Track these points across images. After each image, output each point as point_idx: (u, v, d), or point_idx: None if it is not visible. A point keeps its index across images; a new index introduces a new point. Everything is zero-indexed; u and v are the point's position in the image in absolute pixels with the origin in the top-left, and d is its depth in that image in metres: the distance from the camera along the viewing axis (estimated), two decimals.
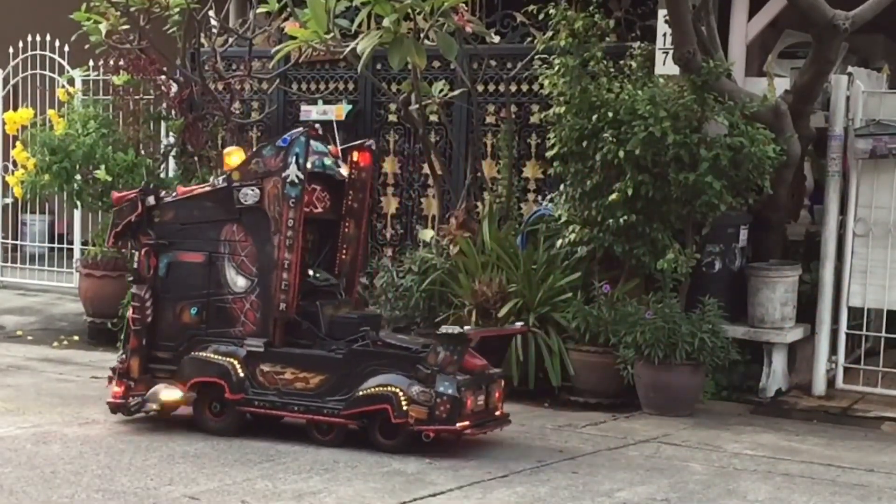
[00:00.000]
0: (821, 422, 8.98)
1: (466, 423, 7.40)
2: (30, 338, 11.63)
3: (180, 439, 7.61)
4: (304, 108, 11.86)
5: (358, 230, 8.44)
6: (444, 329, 7.61)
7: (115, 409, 8.05)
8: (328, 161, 8.24)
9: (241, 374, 7.73)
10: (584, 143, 9.31)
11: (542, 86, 9.90)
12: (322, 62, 11.77)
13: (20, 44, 13.60)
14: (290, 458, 7.27)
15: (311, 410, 7.60)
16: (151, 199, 8.10)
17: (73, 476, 6.69)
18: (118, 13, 10.91)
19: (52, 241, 14.21)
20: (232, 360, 7.77)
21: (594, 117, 9.21)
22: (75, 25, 11.06)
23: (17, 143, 12.41)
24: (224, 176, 8.08)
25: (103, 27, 10.98)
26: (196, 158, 11.65)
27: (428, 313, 9.86)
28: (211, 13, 11.26)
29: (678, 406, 8.95)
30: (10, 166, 13.17)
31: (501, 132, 10.81)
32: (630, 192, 9.02)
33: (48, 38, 13.31)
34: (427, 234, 10.50)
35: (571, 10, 9.83)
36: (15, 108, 13.05)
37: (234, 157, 8.28)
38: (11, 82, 13.86)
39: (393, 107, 11.49)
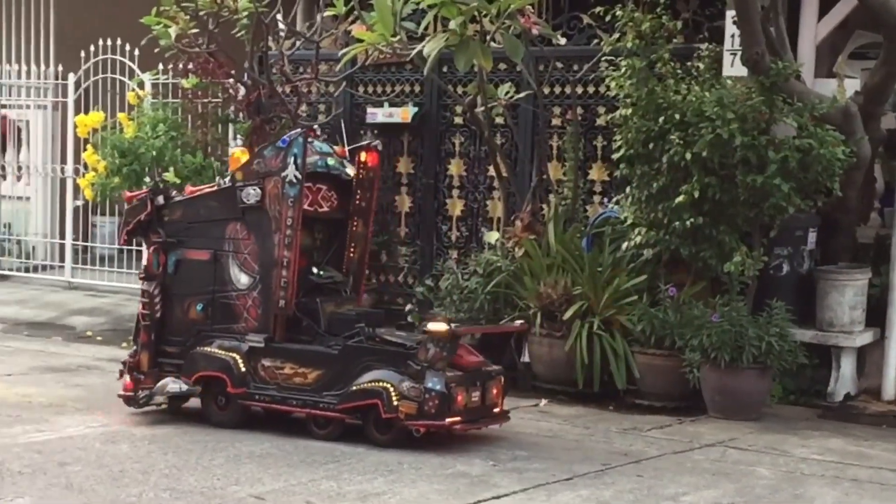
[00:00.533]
0: (890, 427, 8.87)
1: (457, 418, 7.53)
2: (99, 338, 11.77)
3: (247, 440, 7.66)
4: (370, 110, 11.91)
5: (366, 229, 8.61)
6: (430, 325, 7.73)
7: (126, 401, 8.28)
8: (332, 161, 8.42)
9: (243, 369, 7.92)
10: (651, 146, 9.26)
11: (608, 88, 9.87)
12: (388, 65, 11.80)
13: (92, 48, 13.76)
14: (354, 459, 7.29)
15: (309, 405, 7.77)
16: (161, 199, 8.34)
17: (140, 475, 6.76)
18: (188, 17, 10.99)
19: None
20: (234, 355, 7.97)
21: (661, 119, 9.16)
22: (145, 30, 11.16)
23: (88, 146, 12.56)
24: (229, 176, 8.30)
25: (173, 31, 11.06)
26: None
27: (493, 316, 9.85)
28: (279, 17, 11.31)
29: (745, 410, 8.88)
30: (82, 169, 13.34)
31: (567, 134, 10.77)
32: (697, 194, 8.96)
33: (119, 42, 13.46)
34: (492, 237, 10.50)
35: (638, 12, 9.78)
36: (86, 112, 13.20)
37: (238, 157, 8.48)
38: (83, 86, 14.02)
39: (459, 109, 11.49)
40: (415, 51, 8.83)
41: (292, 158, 7.92)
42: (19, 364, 10.30)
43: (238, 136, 12.13)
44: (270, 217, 7.98)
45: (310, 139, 8.32)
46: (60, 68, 14.38)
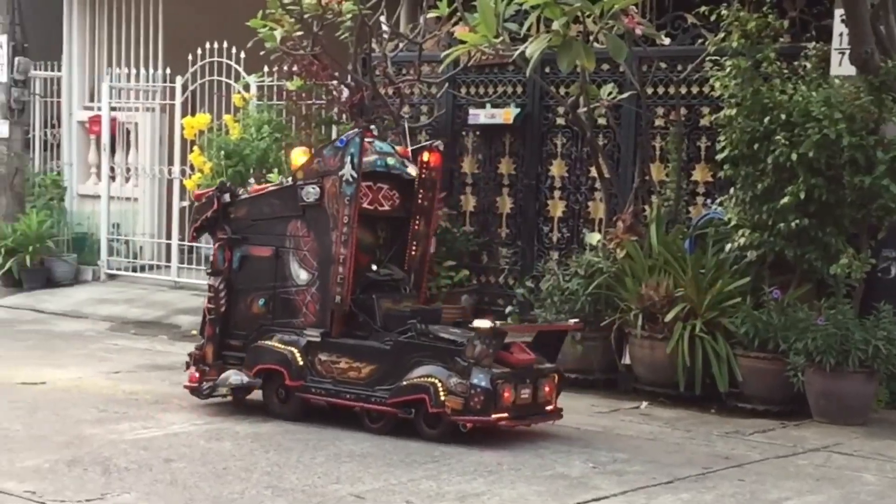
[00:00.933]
0: None
1: (504, 414, 7.63)
2: None
3: (347, 439, 7.71)
4: (472, 111, 11.93)
5: (427, 227, 8.75)
6: (477, 323, 7.80)
7: (191, 392, 8.54)
8: (392, 161, 8.54)
9: (301, 363, 8.12)
10: (756, 146, 9.15)
11: (712, 88, 9.76)
12: (491, 66, 11.81)
13: (199, 51, 13.95)
14: (454, 459, 7.30)
15: (362, 398, 7.93)
16: (227, 197, 8.56)
17: (243, 472, 6.83)
18: (293, 20, 11.10)
19: None
20: (293, 348, 8.18)
21: (766, 119, 9.05)
22: (251, 32, 11.29)
23: (195, 148, 12.73)
24: (291, 175, 8.52)
25: (278, 34, 11.18)
26: None
27: (594, 317, 9.81)
28: (382, 19, 11.39)
29: (850, 414, 8.74)
30: (188, 170, 13.54)
31: (670, 135, 10.69)
32: (802, 195, 8.84)
33: (225, 45, 13.63)
34: (594, 238, 10.44)
35: (744, 11, 9.67)
36: (193, 114, 13.38)
37: (299, 156, 8.61)
38: (190, 89, 14.22)
39: (561, 110, 11.47)
40: (517, 52, 8.82)
41: (349, 158, 8.05)
42: (126, 362, 10.48)
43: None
44: (329, 215, 8.15)
45: (370, 139, 8.52)
46: (168, 71, 14.59)
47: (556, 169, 11.62)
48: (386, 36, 11.67)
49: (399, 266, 8.67)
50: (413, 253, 8.72)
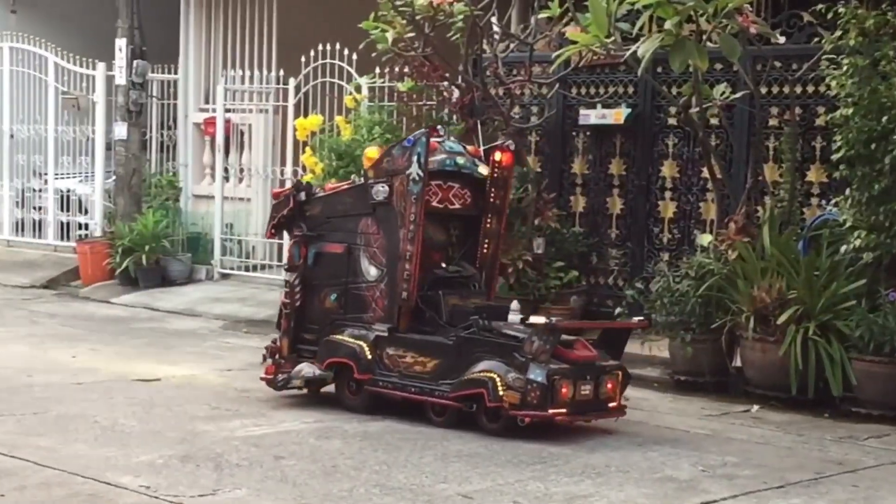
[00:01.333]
0: None
1: (561, 410, 7.71)
2: None
3: (455, 439, 7.72)
4: (582, 111, 11.87)
5: (499, 226, 8.84)
6: (533, 319, 7.96)
7: (267, 384, 8.75)
8: (462, 160, 8.64)
9: (370, 356, 8.30)
10: (873, 146, 8.99)
11: (828, 87, 9.60)
12: (602, 66, 11.74)
13: (311, 53, 14.09)
14: (561, 460, 7.28)
15: (426, 392, 8.08)
16: (302, 195, 8.78)
17: (352, 471, 6.88)
18: (404, 21, 11.16)
19: None
20: (362, 342, 8.36)
21: (884, 119, 8.88)
22: (363, 34, 11.37)
23: (307, 149, 12.85)
24: (363, 174, 8.74)
25: (390, 35, 11.24)
26: None
27: (704, 319, 9.69)
28: (493, 19, 11.39)
29: None
30: (300, 171, 13.67)
31: (784, 135, 10.53)
32: None
33: (338, 47, 13.75)
34: (705, 239, 10.32)
35: (862, 9, 9.48)
36: (305, 115, 13.51)
37: (371, 155, 8.79)
38: (303, 90, 14.36)
39: (673, 110, 11.37)
40: (629, 52, 8.77)
41: (416, 157, 8.18)
42: (238, 360, 10.61)
43: (451, 138, 12.23)
44: (397, 213, 8.29)
45: (440, 139, 8.66)
46: (282, 73, 14.76)
47: (668, 169, 11.52)
48: (497, 37, 11.66)
49: (471, 263, 8.78)
50: (484, 251, 8.83)
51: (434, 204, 8.50)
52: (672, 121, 11.48)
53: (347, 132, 12.29)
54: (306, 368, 8.59)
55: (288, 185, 14.29)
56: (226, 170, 15.29)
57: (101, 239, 15.52)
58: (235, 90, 15.40)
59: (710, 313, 9.73)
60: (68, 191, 16.71)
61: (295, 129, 13.43)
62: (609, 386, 8.01)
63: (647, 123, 11.60)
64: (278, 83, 14.83)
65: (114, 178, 15.95)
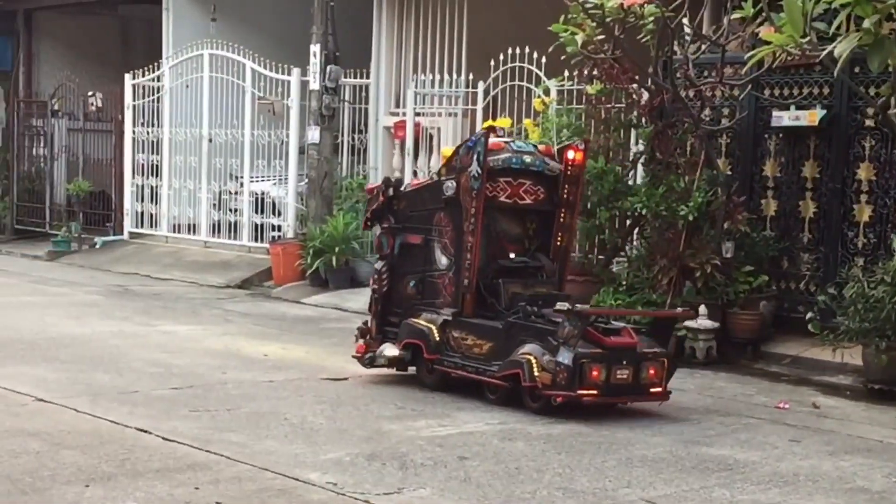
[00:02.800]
0: None
1: (592, 391, 8.25)
2: None
3: (639, 444, 7.67)
4: (775, 113, 11.62)
5: (572, 220, 9.47)
6: (559, 305, 8.42)
7: (358, 361, 9.53)
8: (529, 158, 9.26)
9: (437, 339, 9.02)
10: None
11: None
12: (796, 66, 11.47)
13: (501, 57, 14.14)
14: (748, 468, 7.16)
15: (480, 372, 8.76)
16: (391, 191, 9.50)
17: (535, 473, 6.89)
18: (594, 24, 11.09)
19: None
20: (431, 325, 9.09)
21: None
22: (552, 37, 11.35)
23: None
24: (438, 171, 9.49)
25: (579, 38, 11.18)
26: (664, 165, 11.69)
27: None
28: (685, 21, 11.23)
29: None
30: None
31: None
32: None
33: (527, 50, 13.76)
34: None
35: None
36: (494, 118, 13.55)
37: (446, 154, 9.65)
38: (491, 94, 14.43)
39: (870, 111, 11.05)
40: (825, 52, 8.55)
41: (476, 156, 8.86)
42: None
43: (640, 140, 12.15)
44: (463, 207, 8.94)
45: (508, 139, 9.58)
46: (471, 77, 14.86)
47: (864, 172, 11.20)
48: (688, 38, 11.50)
49: (546, 255, 9.34)
50: (558, 244, 9.40)
51: (503, 199, 9.16)
52: (869, 122, 11.15)
53: (535, 135, 12.29)
54: (389, 348, 9.33)
55: None
56: (415, 173, 15.43)
57: (293, 240, 15.86)
58: (425, 94, 15.57)
59: None
60: (262, 193, 17.12)
61: None
62: (651, 372, 8.47)
63: (842, 125, 11.29)
64: (467, 87, 14.94)
65: (306, 181, 16.28)
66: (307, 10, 16.14)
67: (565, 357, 8.21)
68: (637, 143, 12.35)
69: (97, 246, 18.91)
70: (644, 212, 11.56)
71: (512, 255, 9.26)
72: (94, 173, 20.31)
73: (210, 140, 17.84)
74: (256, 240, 17.11)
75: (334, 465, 6.88)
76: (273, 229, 16.99)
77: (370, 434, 7.70)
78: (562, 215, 9.37)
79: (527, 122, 12.85)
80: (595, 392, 8.29)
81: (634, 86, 11.85)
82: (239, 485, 6.41)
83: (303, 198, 16.51)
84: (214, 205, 17.94)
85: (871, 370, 9.69)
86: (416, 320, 9.23)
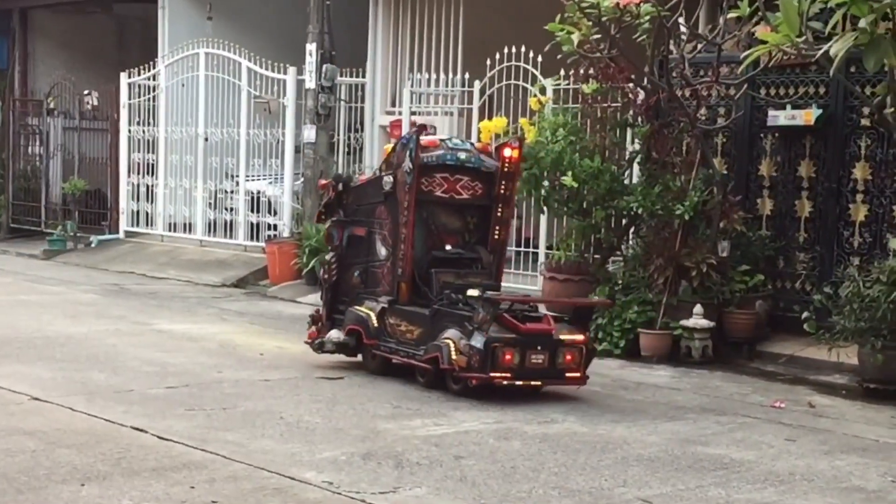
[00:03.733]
0: None
1: (505, 374, 8.71)
2: None
3: (635, 443, 7.68)
4: (771, 112, 11.62)
5: (508, 214, 10.00)
6: (470, 292, 8.96)
7: (310, 346, 10.05)
8: (464, 155, 9.75)
9: (376, 325, 9.56)
10: None
11: None
12: (792, 66, 11.47)
13: (497, 56, 14.14)
14: (744, 467, 7.17)
15: (410, 356, 9.30)
16: (340, 186, 10.07)
17: (531, 472, 6.89)
18: (590, 23, 11.09)
19: (518, 245, 14.63)
20: (370, 313, 9.63)
21: None
22: (548, 36, 11.34)
23: None
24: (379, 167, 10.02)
25: (575, 37, 11.17)
26: (660, 165, 11.69)
27: None
28: (680, 20, 11.24)
29: None
30: None
31: None
32: None
33: (523, 49, 13.76)
34: None
35: None
36: (490, 117, 13.55)
37: (386, 149, 10.23)
38: (487, 93, 14.42)
39: (866, 111, 11.06)
40: (821, 51, 8.55)
41: (408, 153, 9.40)
42: None
43: (636, 140, 12.15)
44: (399, 201, 9.47)
45: (443, 137, 10.14)
46: (467, 76, 14.86)
47: (860, 172, 11.20)
48: (684, 37, 11.50)
49: (485, 248, 9.80)
50: (495, 237, 9.84)
51: (439, 194, 9.69)
52: (865, 122, 11.16)
53: (532, 134, 12.28)
54: (335, 334, 9.86)
55: None
56: None
57: (289, 239, 15.87)
58: (421, 93, 15.57)
59: None
60: (258, 192, 17.13)
61: (479, 132, 13.47)
62: (568, 357, 8.92)
63: (838, 124, 11.30)
64: (463, 86, 14.93)
65: (302, 180, 16.28)
66: (303, 8, 16.14)
67: (478, 341, 8.69)
68: (633, 143, 12.34)
69: (93, 245, 18.91)
70: (640, 211, 11.57)
71: (448, 247, 9.73)
72: (89, 172, 20.30)
73: (206, 139, 17.85)
74: (252, 239, 17.11)
75: (330, 464, 6.87)
76: (269, 228, 16.99)
77: (366, 433, 7.70)
78: (499, 210, 9.84)
79: (523, 121, 12.84)
80: (508, 375, 8.74)
81: (630, 85, 11.86)
82: (235, 484, 6.41)
83: (299, 197, 16.50)
84: (210, 204, 17.94)
85: (867, 369, 9.70)
86: (358, 307, 9.76)
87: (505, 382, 8.74)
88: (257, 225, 17.12)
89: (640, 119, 12.01)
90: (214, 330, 11.96)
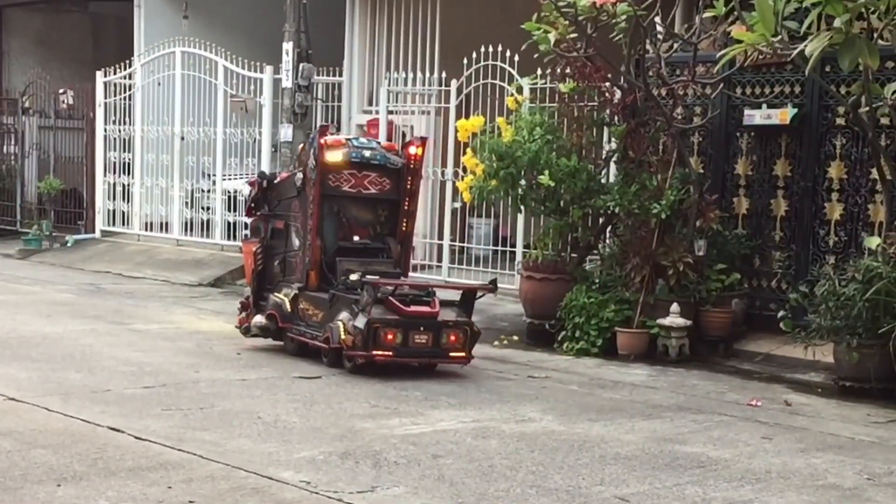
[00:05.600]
0: None
1: (388, 353, 9.48)
2: None
3: (613, 441, 7.69)
4: (747, 112, 11.66)
5: (413, 207, 10.68)
6: (353, 276, 9.81)
7: (240, 331, 10.89)
8: (369, 153, 10.46)
9: (289, 309, 10.36)
10: None
11: None
12: (768, 65, 11.52)
13: (473, 55, 14.14)
14: (720, 465, 7.18)
15: (313, 337, 10.08)
16: (265, 182, 10.95)
17: (508, 471, 6.89)
18: (567, 22, 11.12)
19: (496, 244, 14.66)
20: (285, 298, 10.42)
21: None
22: (525, 36, 11.37)
23: (468, 150, 12.88)
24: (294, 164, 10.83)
25: (552, 36, 11.22)
26: (637, 164, 11.71)
27: (871, 324, 9.44)
28: (657, 19, 11.27)
29: None
30: (461, 172, 13.72)
31: None
32: None
33: (500, 48, 13.77)
34: (873, 242, 10.05)
35: None
36: (466, 117, 13.55)
37: (301, 148, 10.93)
38: (464, 92, 14.42)
39: (841, 110, 11.10)
40: (796, 51, 8.59)
41: (312, 151, 10.23)
42: None
43: (613, 139, 12.16)
44: (307, 195, 10.25)
45: (349, 136, 11.17)
46: (444, 75, 14.86)
47: (835, 170, 11.24)
48: (660, 37, 11.54)
49: (394, 239, 10.52)
50: (403, 229, 10.62)
51: (347, 189, 10.41)
52: (840, 121, 11.21)
53: (509, 133, 12.29)
54: (258, 318, 10.58)
55: (449, 186, 14.51)
56: None
57: None
58: (398, 92, 15.56)
59: (877, 318, 9.48)
60: (235, 191, 17.07)
61: (456, 131, 13.47)
62: (452, 338, 9.66)
63: (814, 123, 11.34)
64: (440, 85, 14.93)
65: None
66: (280, 7, 16.12)
67: (360, 322, 9.44)
68: (610, 142, 12.35)
69: (69, 244, 18.84)
70: (617, 210, 11.59)
71: (356, 238, 10.44)
72: (65, 171, 20.24)
73: (182, 138, 17.81)
74: (229, 238, 17.09)
75: (308, 464, 6.86)
76: (246, 227, 16.91)
77: (343, 432, 7.69)
78: (406, 203, 10.58)
79: (500, 120, 12.84)
80: (390, 353, 9.50)
81: (607, 84, 11.88)
82: (212, 483, 6.39)
83: None
84: (187, 203, 17.91)
85: (843, 367, 9.74)
86: (277, 294, 10.55)
87: (387, 360, 9.48)
88: (234, 224, 17.09)
89: (616, 118, 12.03)
90: (191, 329, 11.92)
